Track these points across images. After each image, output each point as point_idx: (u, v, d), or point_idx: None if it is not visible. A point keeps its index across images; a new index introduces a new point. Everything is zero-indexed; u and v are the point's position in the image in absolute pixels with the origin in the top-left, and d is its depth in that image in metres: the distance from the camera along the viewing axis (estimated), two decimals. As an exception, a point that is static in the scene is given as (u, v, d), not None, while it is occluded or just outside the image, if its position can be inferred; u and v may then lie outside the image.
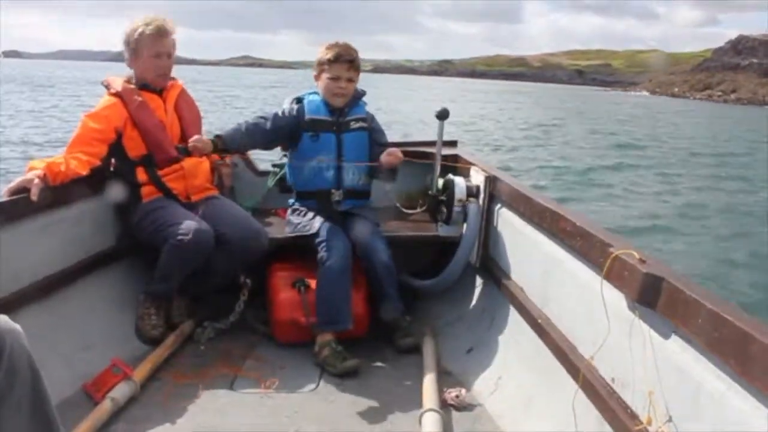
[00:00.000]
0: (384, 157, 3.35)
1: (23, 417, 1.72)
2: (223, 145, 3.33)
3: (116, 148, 3.26)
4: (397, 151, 3.37)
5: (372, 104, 3.68)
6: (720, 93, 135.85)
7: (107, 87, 3.36)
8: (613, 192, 14.65)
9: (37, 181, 2.80)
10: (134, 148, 3.28)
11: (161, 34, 3.30)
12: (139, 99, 3.30)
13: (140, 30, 3.27)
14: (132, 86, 3.34)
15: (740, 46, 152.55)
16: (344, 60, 3.39)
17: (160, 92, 3.42)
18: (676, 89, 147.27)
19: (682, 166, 20.20)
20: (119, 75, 3.41)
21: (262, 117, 3.45)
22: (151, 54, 3.31)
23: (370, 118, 3.57)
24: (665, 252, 9.13)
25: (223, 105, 34.54)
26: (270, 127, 3.42)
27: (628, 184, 15.86)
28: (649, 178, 17.28)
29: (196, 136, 3.26)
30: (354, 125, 3.48)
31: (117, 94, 3.29)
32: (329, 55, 3.38)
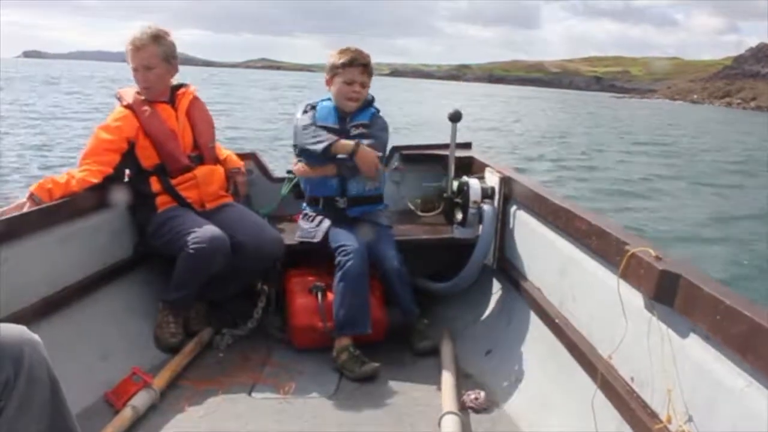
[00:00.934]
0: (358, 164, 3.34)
1: (43, 426, 1.73)
2: None
3: (130, 158, 3.30)
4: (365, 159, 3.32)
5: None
6: (739, 101, 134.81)
7: (119, 99, 3.39)
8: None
9: (28, 205, 2.90)
10: (147, 157, 3.32)
11: (135, 47, 3.29)
12: (150, 110, 3.33)
13: (127, 45, 3.32)
14: (142, 98, 3.37)
15: (761, 54, 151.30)
16: (358, 64, 3.39)
17: (171, 102, 3.44)
18: (696, 96, 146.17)
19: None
20: (132, 86, 3.44)
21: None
22: (132, 68, 3.35)
23: (372, 123, 3.52)
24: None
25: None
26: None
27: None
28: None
29: None
30: (354, 132, 3.46)
31: (128, 106, 3.33)
32: (343, 60, 3.38)
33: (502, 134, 26.13)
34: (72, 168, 3.24)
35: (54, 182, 3.02)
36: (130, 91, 3.40)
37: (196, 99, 3.56)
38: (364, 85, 3.44)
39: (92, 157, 3.21)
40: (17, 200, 2.95)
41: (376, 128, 3.51)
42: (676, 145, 29.34)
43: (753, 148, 30.08)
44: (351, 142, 3.32)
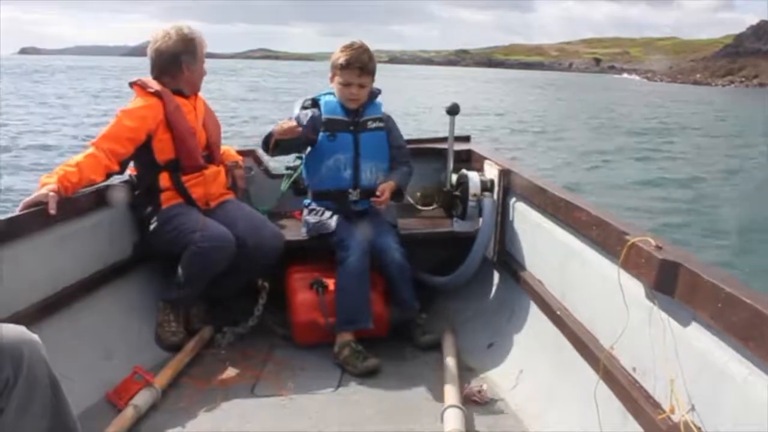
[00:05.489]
0: (373, 200, 3.39)
1: (44, 427, 1.73)
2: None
3: (142, 151, 3.24)
4: (383, 197, 3.35)
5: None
6: (742, 79, 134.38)
7: (142, 87, 3.30)
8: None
9: (52, 194, 2.80)
10: (163, 151, 3.27)
11: (205, 44, 3.42)
12: (176, 102, 3.30)
13: (198, 38, 3.36)
14: (169, 89, 3.33)
15: (762, 31, 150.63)
16: (355, 67, 3.35)
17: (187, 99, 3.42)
18: (698, 75, 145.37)
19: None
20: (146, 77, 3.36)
21: None
22: (203, 61, 3.41)
23: (386, 118, 3.55)
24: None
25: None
26: None
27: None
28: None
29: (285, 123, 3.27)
30: (371, 125, 3.46)
31: (156, 94, 3.26)
32: (341, 60, 3.35)
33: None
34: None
35: (69, 179, 2.92)
36: (153, 82, 3.34)
37: (204, 100, 3.57)
38: (363, 86, 3.40)
39: (110, 143, 3.12)
40: (35, 194, 2.84)
41: (397, 134, 3.58)
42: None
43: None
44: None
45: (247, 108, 31.58)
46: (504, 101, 42.10)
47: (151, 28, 3.46)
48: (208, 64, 3.54)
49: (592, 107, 40.81)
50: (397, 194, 3.50)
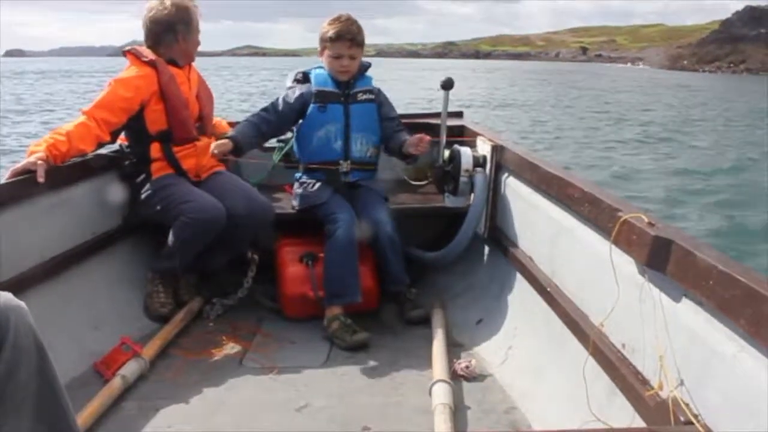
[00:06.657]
0: (413, 148, 3.37)
1: (31, 394, 1.71)
2: (239, 147, 3.31)
3: (134, 121, 3.20)
4: (423, 138, 3.36)
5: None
6: (728, 64, 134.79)
7: (136, 55, 3.25)
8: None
9: (40, 162, 2.77)
10: (155, 122, 3.23)
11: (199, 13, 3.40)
12: (169, 73, 3.25)
13: (192, 7, 3.32)
14: (163, 59, 3.28)
15: (747, 16, 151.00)
16: (345, 39, 3.35)
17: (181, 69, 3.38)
18: (685, 62, 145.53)
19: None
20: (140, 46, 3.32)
21: (264, 110, 3.45)
22: (198, 31, 3.37)
23: (377, 91, 3.55)
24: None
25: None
26: (275, 119, 3.42)
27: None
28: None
29: (218, 143, 3.23)
30: (361, 97, 3.47)
31: (151, 63, 3.22)
32: (330, 33, 3.35)
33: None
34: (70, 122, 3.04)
35: (58, 148, 2.88)
36: (147, 51, 3.29)
37: (197, 71, 3.53)
38: (354, 57, 3.40)
39: (103, 112, 3.08)
40: (23, 161, 2.80)
41: (389, 107, 3.59)
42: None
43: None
44: None
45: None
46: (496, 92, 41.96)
47: (137, 27, 3.41)
48: (195, 62, 3.51)
49: (582, 93, 40.81)
50: (412, 155, 3.51)
